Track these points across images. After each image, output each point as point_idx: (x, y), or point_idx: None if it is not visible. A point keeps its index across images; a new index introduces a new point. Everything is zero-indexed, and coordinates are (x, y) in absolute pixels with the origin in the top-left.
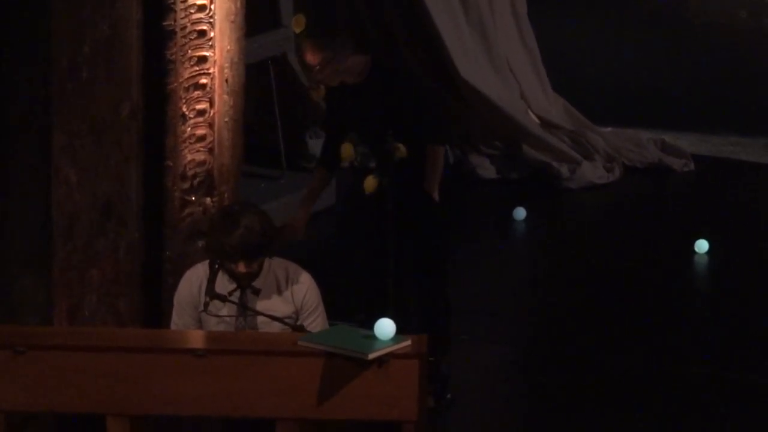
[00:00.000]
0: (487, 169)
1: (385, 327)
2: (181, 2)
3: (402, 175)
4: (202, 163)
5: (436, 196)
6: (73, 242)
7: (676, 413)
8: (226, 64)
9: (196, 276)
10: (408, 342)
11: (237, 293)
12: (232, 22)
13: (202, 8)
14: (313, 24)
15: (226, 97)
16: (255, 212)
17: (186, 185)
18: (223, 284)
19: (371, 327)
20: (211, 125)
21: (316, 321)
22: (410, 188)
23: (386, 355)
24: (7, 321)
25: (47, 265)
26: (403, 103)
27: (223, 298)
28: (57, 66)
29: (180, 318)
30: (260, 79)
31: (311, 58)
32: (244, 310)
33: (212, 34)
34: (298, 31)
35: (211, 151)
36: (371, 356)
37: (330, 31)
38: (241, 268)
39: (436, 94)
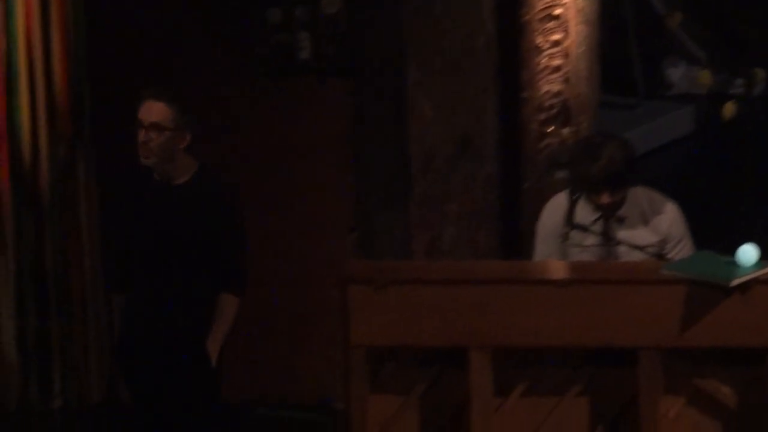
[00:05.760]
0: None
1: (748, 253)
2: None
3: None
4: (558, 93)
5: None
6: (430, 176)
7: None
8: None
9: (559, 204)
10: None
11: (599, 222)
12: None
13: None
14: None
15: (581, 26)
16: (617, 142)
17: (542, 116)
18: (586, 213)
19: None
20: (566, 55)
21: (681, 252)
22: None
23: (749, 281)
24: (368, 256)
25: (406, 200)
26: None
27: (583, 228)
28: (410, 1)
29: (545, 247)
30: (615, 8)
31: None
32: (607, 239)
33: None
34: None
35: (567, 81)
36: (734, 283)
37: None
38: (605, 198)
39: None
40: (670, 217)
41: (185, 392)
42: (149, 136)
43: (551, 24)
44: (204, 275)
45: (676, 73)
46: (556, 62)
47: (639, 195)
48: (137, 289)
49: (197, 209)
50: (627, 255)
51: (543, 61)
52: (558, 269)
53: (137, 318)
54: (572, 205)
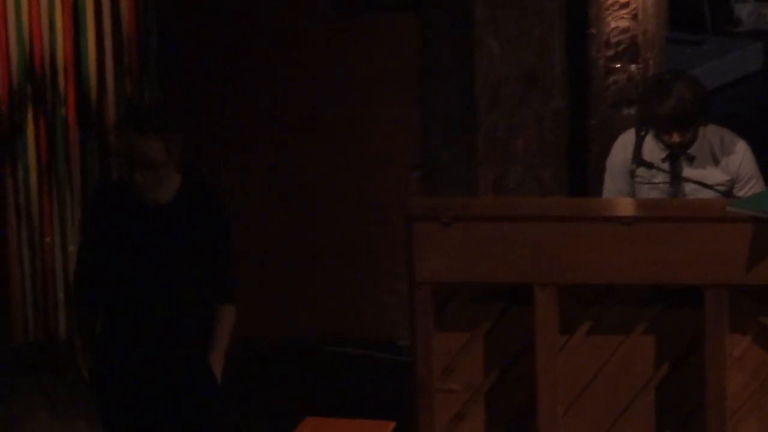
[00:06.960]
0: None
1: None
2: None
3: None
4: (626, 29)
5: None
6: (496, 113)
7: None
8: None
9: (628, 141)
10: None
11: (668, 160)
12: None
13: None
14: None
15: None
16: (687, 81)
17: (610, 52)
18: (655, 150)
19: None
20: None
21: (751, 191)
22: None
23: None
24: (433, 193)
25: (472, 136)
26: None
27: (649, 165)
28: None
29: (613, 183)
30: None
31: None
32: (676, 177)
33: None
34: None
35: (635, 17)
36: None
37: None
38: (675, 137)
39: None
40: (740, 156)
41: (196, 415)
42: (147, 174)
43: None
44: (198, 291)
45: (745, 10)
46: None
47: (710, 133)
48: (126, 317)
49: (189, 225)
50: (696, 193)
51: None
52: (623, 206)
53: (130, 344)
54: (639, 141)
